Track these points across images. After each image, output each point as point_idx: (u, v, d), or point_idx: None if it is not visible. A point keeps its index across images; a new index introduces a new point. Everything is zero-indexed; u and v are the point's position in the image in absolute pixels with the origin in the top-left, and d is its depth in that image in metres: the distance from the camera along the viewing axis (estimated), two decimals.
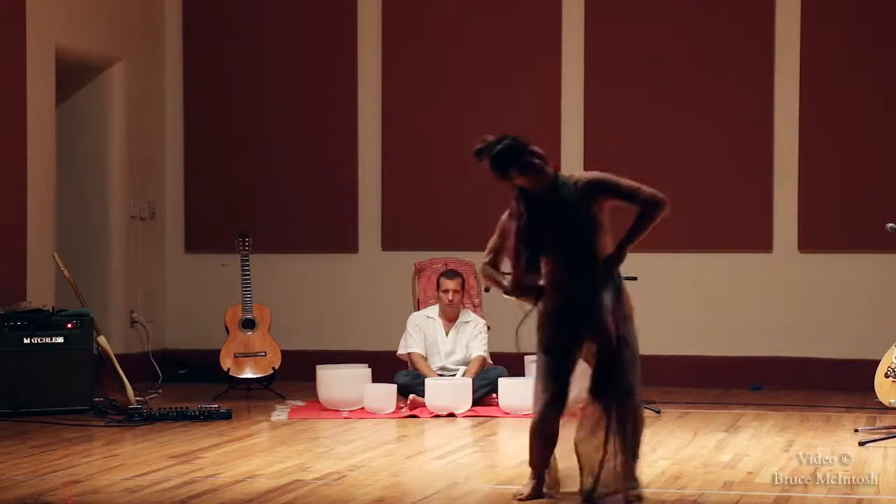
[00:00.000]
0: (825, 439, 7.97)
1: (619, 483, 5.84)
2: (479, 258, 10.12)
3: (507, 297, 6.12)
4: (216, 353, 10.28)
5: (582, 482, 5.94)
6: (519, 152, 5.91)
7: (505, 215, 6.10)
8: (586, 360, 5.90)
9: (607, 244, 5.92)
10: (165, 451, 7.49)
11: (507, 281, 6.06)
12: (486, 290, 9.51)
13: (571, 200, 5.88)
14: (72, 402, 9.11)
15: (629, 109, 10.96)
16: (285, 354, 10.30)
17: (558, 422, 5.98)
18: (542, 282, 6.01)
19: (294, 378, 10.52)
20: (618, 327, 5.83)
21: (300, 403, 9.75)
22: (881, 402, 8.38)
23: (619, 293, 5.92)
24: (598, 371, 5.85)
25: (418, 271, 10.38)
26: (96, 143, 11.18)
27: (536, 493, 6.08)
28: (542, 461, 6.09)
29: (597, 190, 5.90)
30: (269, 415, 9.18)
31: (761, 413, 9.25)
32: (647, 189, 5.90)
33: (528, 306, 6.09)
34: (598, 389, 5.85)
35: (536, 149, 5.92)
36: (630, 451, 5.86)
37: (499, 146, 5.96)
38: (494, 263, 6.13)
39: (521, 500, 6.06)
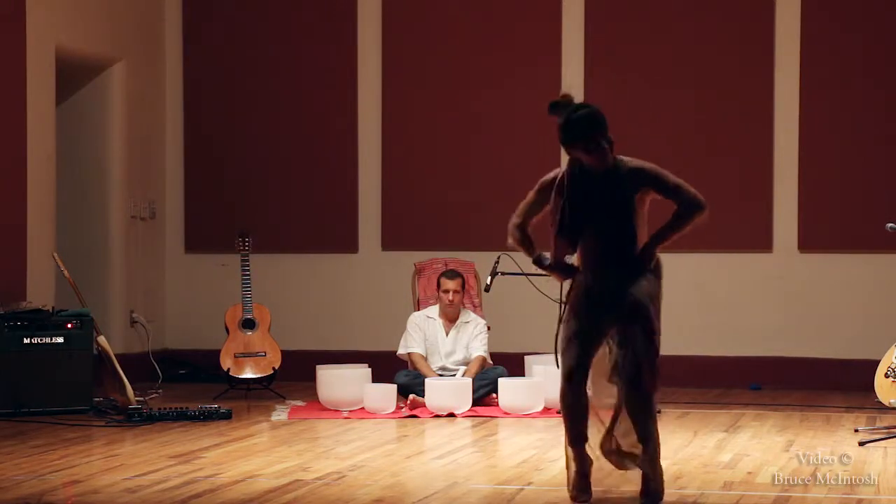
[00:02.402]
0: (825, 439, 7.97)
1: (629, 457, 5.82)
2: (479, 258, 10.28)
3: (534, 265, 5.98)
4: (216, 353, 10.28)
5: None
6: (594, 129, 5.78)
7: (548, 177, 5.98)
8: (608, 346, 5.83)
9: (643, 235, 5.85)
10: (165, 451, 7.49)
11: (533, 249, 5.94)
12: (487, 289, 9.55)
13: (620, 183, 5.81)
14: (72, 402, 9.11)
15: (629, 109, 10.95)
16: (285, 354, 10.30)
17: (582, 392, 5.86)
18: (573, 262, 5.94)
19: (294, 378, 10.53)
20: (653, 319, 5.77)
21: (300, 403, 9.75)
22: (881, 402, 8.38)
23: (655, 285, 5.85)
24: (619, 356, 5.77)
25: (418, 271, 10.38)
26: (96, 143, 11.18)
27: (583, 472, 5.95)
28: (578, 434, 5.93)
29: (642, 178, 5.83)
30: (269, 415, 9.18)
31: (761, 413, 9.25)
32: (689, 189, 5.81)
33: (555, 281, 5.99)
34: (619, 373, 5.78)
35: (607, 132, 5.80)
36: (644, 438, 5.80)
37: (578, 113, 5.79)
38: (524, 226, 6.00)
39: (576, 500, 5.96)
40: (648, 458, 5.86)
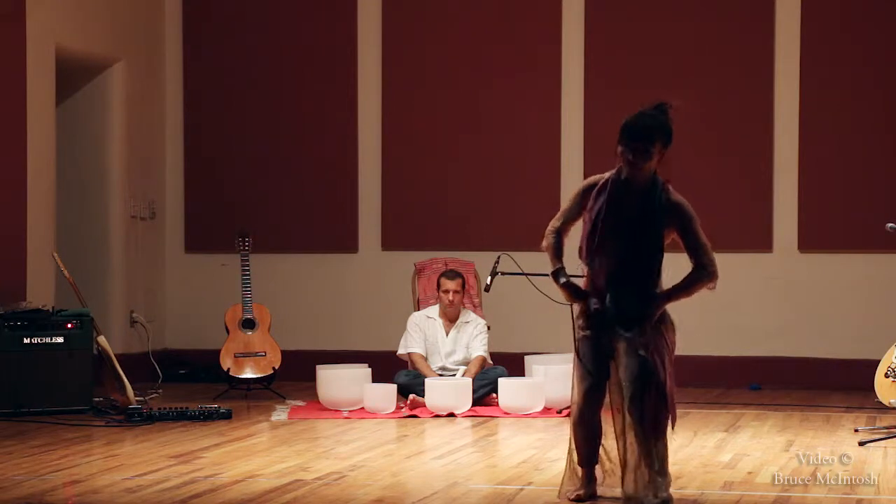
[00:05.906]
0: (825, 439, 7.97)
1: (643, 490, 5.75)
2: (479, 258, 10.28)
3: (551, 276, 5.92)
4: (216, 353, 10.27)
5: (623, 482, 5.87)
6: (639, 135, 5.78)
7: (590, 180, 5.93)
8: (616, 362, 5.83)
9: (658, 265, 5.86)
10: (165, 451, 7.49)
11: (556, 265, 5.88)
12: (487, 289, 9.55)
13: (656, 210, 5.78)
14: (72, 402, 9.11)
15: (629, 109, 10.93)
16: (285, 354, 10.30)
17: (598, 413, 5.88)
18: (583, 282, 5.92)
19: (294, 378, 10.53)
20: (649, 352, 5.75)
21: (300, 403, 9.75)
22: (881, 402, 8.38)
23: (659, 329, 5.86)
24: (622, 374, 5.78)
25: (418, 271, 10.38)
26: (96, 143, 11.18)
27: (589, 492, 5.96)
28: (590, 456, 5.96)
29: (676, 215, 5.80)
30: (269, 415, 9.18)
31: (761, 413, 9.25)
32: (710, 254, 5.81)
33: (562, 298, 5.95)
34: (623, 392, 5.78)
35: (658, 150, 5.78)
36: (648, 460, 5.74)
37: (639, 116, 5.85)
38: (562, 231, 5.94)
39: (574, 500, 5.95)
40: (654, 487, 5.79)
